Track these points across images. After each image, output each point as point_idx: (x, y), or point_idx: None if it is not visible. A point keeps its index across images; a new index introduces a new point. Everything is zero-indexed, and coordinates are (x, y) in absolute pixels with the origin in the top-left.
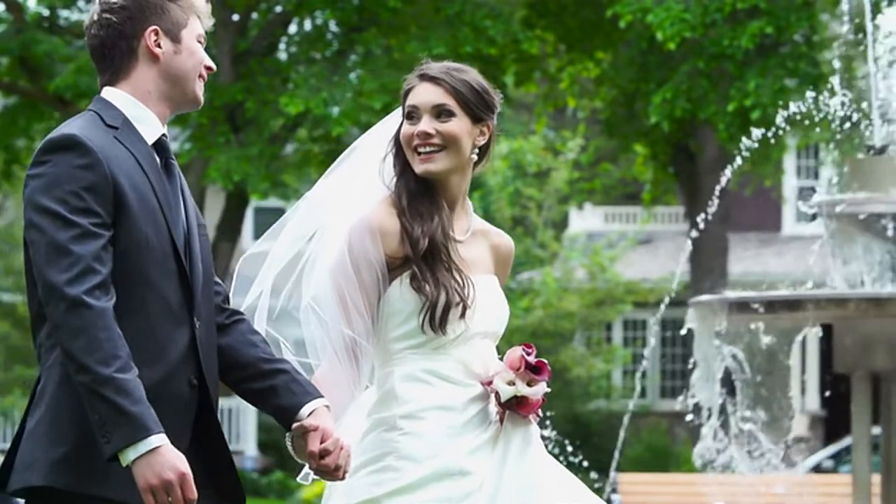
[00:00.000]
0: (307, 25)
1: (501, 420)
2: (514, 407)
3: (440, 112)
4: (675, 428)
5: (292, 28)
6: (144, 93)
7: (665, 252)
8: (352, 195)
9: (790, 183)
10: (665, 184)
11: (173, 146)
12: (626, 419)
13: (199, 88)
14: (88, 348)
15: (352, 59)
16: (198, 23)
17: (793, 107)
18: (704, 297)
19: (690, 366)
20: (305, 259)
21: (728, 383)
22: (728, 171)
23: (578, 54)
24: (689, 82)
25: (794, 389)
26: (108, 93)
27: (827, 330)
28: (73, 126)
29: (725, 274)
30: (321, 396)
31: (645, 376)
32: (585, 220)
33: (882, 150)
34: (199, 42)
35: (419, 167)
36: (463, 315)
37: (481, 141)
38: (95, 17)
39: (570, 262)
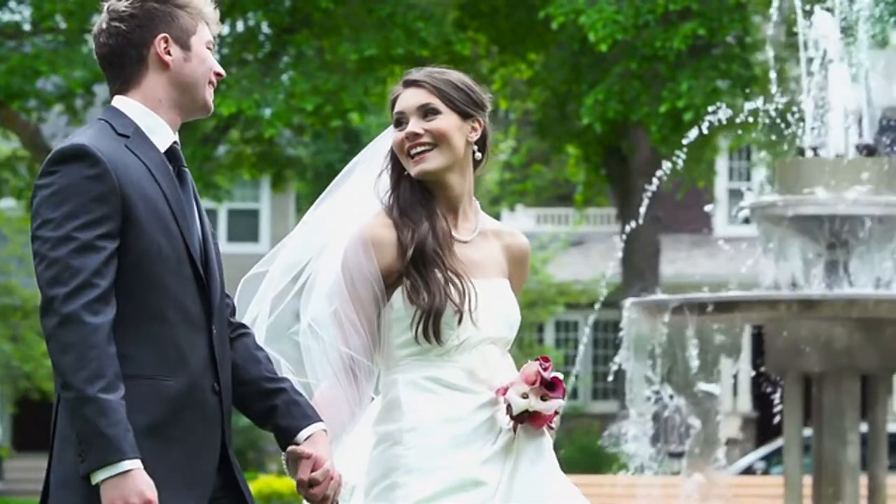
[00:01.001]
0: (239, 27)
1: (515, 429)
2: (526, 420)
3: (426, 112)
4: (607, 429)
5: (224, 29)
6: (155, 101)
7: (597, 254)
8: (349, 214)
9: (722, 184)
10: (597, 185)
11: None
12: (557, 420)
13: (209, 95)
14: (76, 365)
15: (284, 60)
16: (206, 29)
17: (724, 110)
18: (638, 299)
19: (618, 367)
20: (304, 280)
21: (661, 385)
22: (660, 173)
23: (510, 56)
24: (621, 84)
25: (726, 391)
26: (119, 101)
27: (759, 331)
28: (83, 136)
29: (657, 276)
30: (319, 420)
31: (577, 378)
32: (517, 221)
33: (814, 152)
34: (209, 48)
35: (414, 169)
36: (460, 321)
37: (474, 136)
38: (104, 26)
39: None
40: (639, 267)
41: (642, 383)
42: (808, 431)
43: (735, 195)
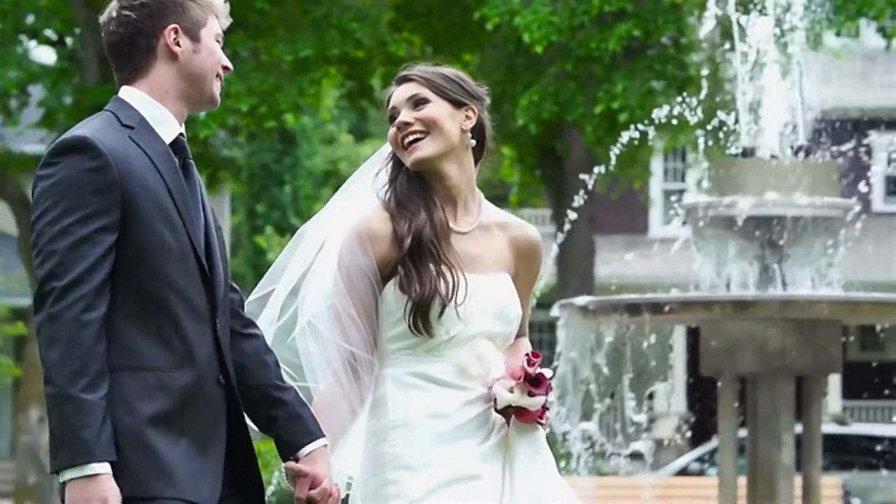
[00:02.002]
0: None
1: (508, 423)
2: (513, 414)
3: (416, 102)
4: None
5: None
6: (162, 92)
7: None
8: (348, 213)
9: (657, 186)
10: (532, 186)
11: (40, 148)
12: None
13: (217, 88)
14: (59, 361)
15: None
16: (216, 22)
17: (662, 111)
18: (572, 300)
19: (554, 369)
20: (303, 275)
21: (598, 387)
22: (594, 174)
23: (445, 56)
24: (556, 85)
25: (661, 392)
26: (126, 92)
27: (694, 333)
28: (86, 127)
29: (592, 276)
30: (321, 436)
31: None
32: None
33: (749, 153)
34: (217, 41)
35: (409, 159)
36: (441, 314)
37: (468, 124)
38: (114, 14)
39: None
40: (573, 268)
41: (578, 385)
42: (742, 432)
43: (670, 196)
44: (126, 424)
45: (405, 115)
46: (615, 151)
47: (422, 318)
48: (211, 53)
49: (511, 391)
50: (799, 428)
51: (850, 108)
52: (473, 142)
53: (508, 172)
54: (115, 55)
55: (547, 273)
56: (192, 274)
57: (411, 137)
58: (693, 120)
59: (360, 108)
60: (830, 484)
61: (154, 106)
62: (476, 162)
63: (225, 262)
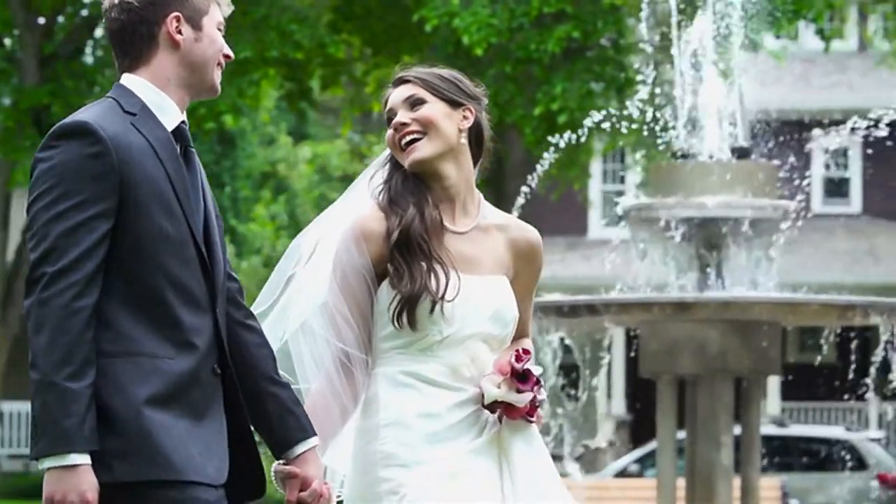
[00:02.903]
0: None
1: (500, 420)
2: (500, 410)
3: (412, 103)
4: None
5: (98, 32)
6: (163, 80)
7: None
8: (343, 216)
9: (596, 187)
10: None
11: None
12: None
13: (218, 76)
14: (47, 347)
15: None
16: (217, 10)
17: (600, 113)
18: None
19: None
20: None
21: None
22: (534, 175)
23: (384, 58)
24: (495, 86)
25: (600, 394)
26: (128, 79)
27: (632, 334)
28: (88, 113)
29: None
30: (312, 435)
31: None
32: None
33: (688, 155)
34: (219, 29)
35: (407, 160)
36: (432, 311)
37: (465, 124)
38: (116, 1)
39: None
40: None
41: None
42: (681, 434)
43: (609, 197)
44: (121, 409)
45: (402, 116)
46: (553, 153)
47: (408, 313)
48: (212, 42)
49: (498, 387)
50: (738, 429)
51: (789, 110)
52: (464, 141)
53: None
54: (116, 42)
55: None
56: (190, 262)
57: (408, 138)
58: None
59: (299, 109)
60: (769, 485)
61: (156, 93)
62: (475, 162)
63: (224, 251)
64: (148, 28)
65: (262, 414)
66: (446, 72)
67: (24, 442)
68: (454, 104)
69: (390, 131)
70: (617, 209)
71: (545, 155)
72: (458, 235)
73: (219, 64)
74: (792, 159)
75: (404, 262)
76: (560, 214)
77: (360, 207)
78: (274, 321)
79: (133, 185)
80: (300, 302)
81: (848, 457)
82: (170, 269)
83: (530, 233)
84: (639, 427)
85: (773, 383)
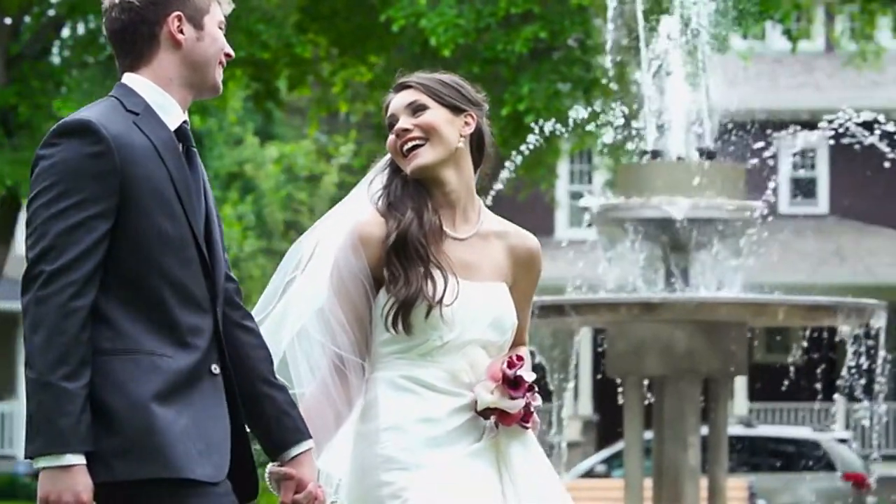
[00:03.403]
0: (80, 29)
1: (497, 426)
2: (493, 417)
3: (414, 109)
4: None
5: (65, 32)
6: (166, 79)
7: None
8: (341, 221)
9: (563, 188)
10: None
11: None
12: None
13: (219, 75)
14: (43, 347)
15: None
16: (218, 9)
17: (570, 113)
18: None
19: None
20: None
21: None
22: (501, 176)
23: (351, 59)
24: None
25: (567, 394)
26: (130, 79)
27: (599, 334)
28: (90, 111)
29: None
30: (308, 438)
31: None
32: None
33: (655, 155)
34: (220, 28)
35: (409, 166)
36: (427, 316)
37: (467, 130)
38: (117, 1)
39: None
40: None
41: None
42: (648, 434)
43: (576, 198)
44: (120, 407)
45: (404, 122)
46: (521, 153)
47: (403, 318)
48: (214, 41)
49: (491, 393)
50: (705, 430)
51: (756, 110)
52: (462, 146)
53: None
54: (117, 42)
55: None
56: (191, 263)
57: (410, 144)
58: (599, 124)
59: (266, 109)
60: (736, 485)
61: (158, 93)
62: (476, 168)
63: (224, 251)
64: (149, 28)
65: (258, 415)
66: (448, 77)
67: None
68: (456, 110)
69: (392, 137)
70: (581, 203)
71: (513, 154)
72: (457, 242)
73: (220, 63)
74: (759, 160)
75: (400, 267)
76: (526, 215)
77: (359, 212)
78: (273, 326)
79: (134, 185)
80: (298, 306)
81: (815, 457)
82: (169, 270)
83: (530, 240)
84: (606, 427)
85: (741, 384)
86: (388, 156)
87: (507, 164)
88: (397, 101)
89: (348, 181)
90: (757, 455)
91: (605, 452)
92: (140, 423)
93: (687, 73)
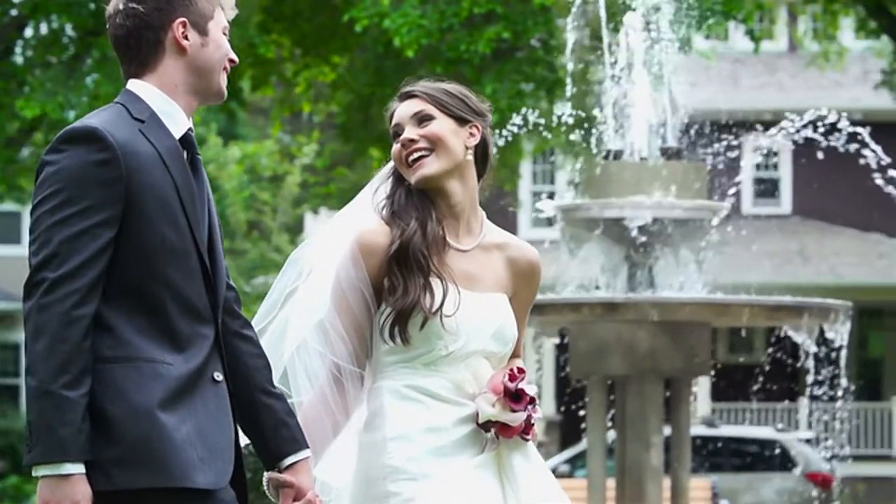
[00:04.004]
0: (43, 29)
1: (497, 437)
2: (494, 429)
3: (420, 119)
4: None
5: (28, 32)
6: (171, 86)
7: None
8: (343, 231)
9: (526, 188)
10: None
11: None
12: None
13: (224, 81)
14: (44, 354)
15: (88, 63)
16: (222, 14)
17: (532, 114)
18: None
19: None
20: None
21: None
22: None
23: (314, 59)
24: None
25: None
26: (135, 85)
27: (562, 335)
28: (97, 118)
29: None
30: (305, 447)
31: None
32: (321, 224)
33: (618, 155)
34: (224, 34)
35: (413, 176)
36: (422, 327)
37: (472, 141)
38: (121, 7)
39: None
40: None
41: None
42: (611, 435)
43: (540, 198)
44: (120, 416)
45: (410, 132)
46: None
47: (399, 327)
48: (218, 47)
49: (493, 406)
50: (668, 430)
51: (718, 110)
52: (470, 158)
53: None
54: (121, 48)
55: None
56: (193, 272)
57: (416, 154)
58: (562, 125)
59: (229, 109)
60: (699, 486)
61: (164, 100)
62: (479, 179)
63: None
64: (154, 34)
65: (256, 424)
66: (453, 87)
67: None
68: (461, 121)
69: (397, 146)
70: (538, 206)
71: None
72: (460, 253)
73: (225, 69)
74: (722, 160)
75: (401, 276)
76: (489, 215)
77: (361, 221)
78: (274, 338)
79: (140, 193)
80: (300, 318)
81: (778, 457)
82: (171, 280)
83: (530, 253)
84: (568, 427)
85: (703, 384)
86: (391, 164)
87: None
88: (403, 111)
89: (311, 181)
90: (720, 455)
91: (568, 452)
92: (141, 431)
93: (650, 73)
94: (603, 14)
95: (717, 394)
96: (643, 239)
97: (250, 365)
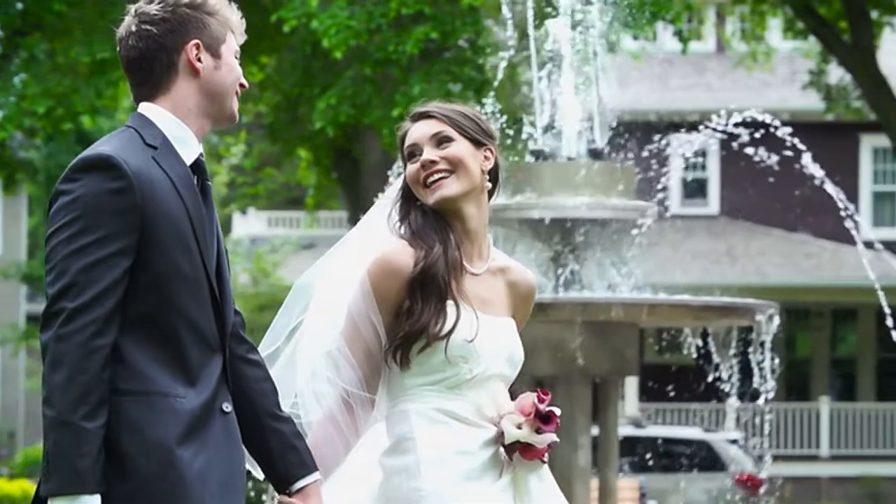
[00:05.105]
0: None
1: (510, 458)
2: (518, 451)
3: (440, 140)
4: None
5: None
6: (185, 109)
7: None
8: (346, 256)
9: None
10: (328, 189)
11: None
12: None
13: (236, 105)
14: (63, 385)
15: (15, 63)
16: (233, 39)
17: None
18: None
19: None
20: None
21: None
22: (393, 175)
23: (242, 59)
24: (353, 88)
25: None
26: (147, 109)
27: None
28: (110, 144)
29: None
30: (315, 470)
31: None
32: (249, 224)
33: (546, 155)
34: (235, 58)
35: (432, 197)
36: (422, 350)
37: (487, 165)
38: (133, 29)
39: (233, 267)
40: None
41: None
42: None
43: None
44: (132, 451)
45: (430, 154)
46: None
47: (403, 350)
48: (231, 70)
49: (519, 427)
50: (595, 430)
51: (647, 110)
52: (489, 184)
53: (305, 175)
54: (133, 70)
55: None
56: (204, 302)
57: (437, 176)
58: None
59: None
60: (627, 486)
61: (177, 125)
62: (488, 199)
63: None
64: (167, 55)
65: (265, 449)
66: (467, 109)
67: None
68: (477, 143)
69: (415, 167)
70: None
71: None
72: (474, 277)
73: (236, 93)
74: (650, 160)
75: (420, 300)
76: None
77: (381, 242)
78: (283, 371)
79: (154, 222)
80: (309, 350)
81: (706, 457)
82: (185, 308)
83: (530, 277)
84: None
85: (632, 384)
86: (398, 185)
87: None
88: (421, 131)
89: (239, 181)
90: (648, 455)
91: None
92: (156, 466)
93: (578, 73)
94: (530, 15)
95: (645, 394)
96: (571, 239)
97: (257, 389)
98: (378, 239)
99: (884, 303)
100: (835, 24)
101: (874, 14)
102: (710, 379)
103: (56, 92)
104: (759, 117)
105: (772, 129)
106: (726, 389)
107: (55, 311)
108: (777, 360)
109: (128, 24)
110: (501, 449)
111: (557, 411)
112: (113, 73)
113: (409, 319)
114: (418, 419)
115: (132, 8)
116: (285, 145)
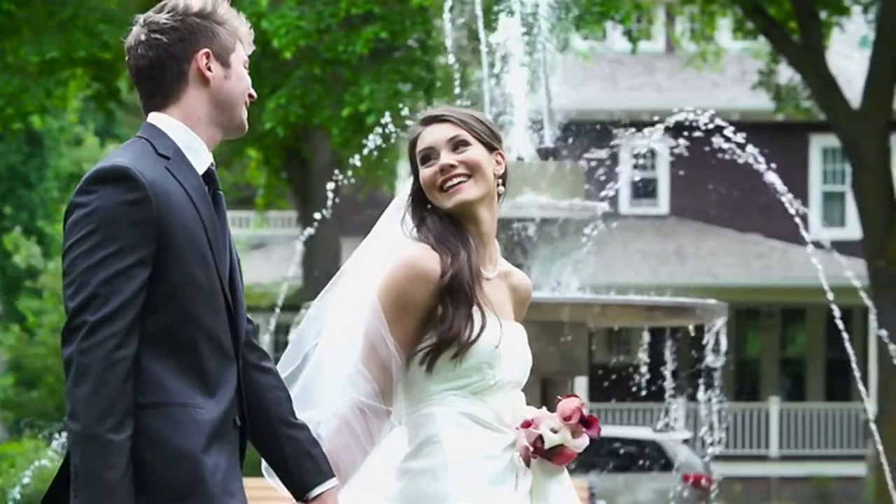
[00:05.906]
0: None
1: (527, 463)
2: (550, 455)
3: (456, 144)
4: None
5: None
6: (195, 119)
7: (278, 257)
8: (357, 276)
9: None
10: (278, 189)
11: None
12: None
13: (245, 114)
14: (88, 399)
15: None
16: (242, 48)
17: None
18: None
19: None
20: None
21: None
22: (344, 176)
23: None
24: (303, 88)
25: None
26: (158, 119)
27: None
28: (124, 156)
29: None
30: (331, 477)
31: None
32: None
33: None
34: (245, 67)
35: (450, 201)
36: (457, 355)
37: (500, 170)
38: (143, 38)
39: None
40: (321, 269)
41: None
42: None
43: None
44: (160, 462)
45: (447, 158)
46: (359, 155)
47: (433, 355)
48: (240, 79)
49: (556, 431)
50: None
51: (596, 110)
52: (502, 189)
53: (254, 175)
54: (143, 80)
55: (293, 275)
56: (219, 312)
57: (455, 181)
58: None
59: (107, 109)
60: (576, 485)
61: (188, 134)
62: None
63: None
64: (178, 65)
65: (280, 457)
66: (478, 113)
67: None
68: (490, 148)
69: (433, 171)
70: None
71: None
72: (488, 282)
73: (245, 103)
74: (599, 160)
75: (451, 306)
76: (367, 214)
77: (404, 246)
78: (301, 396)
79: (171, 232)
80: (326, 385)
81: (656, 457)
82: (202, 319)
83: (528, 281)
84: None
85: (581, 384)
86: (407, 192)
87: (345, 164)
88: (436, 135)
89: None
90: (597, 455)
91: None
92: (183, 477)
93: (527, 72)
94: (479, 13)
95: (595, 394)
96: (520, 239)
97: (271, 397)
98: (391, 243)
99: (832, 303)
100: (784, 25)
101: (823, 14)
102: (659, 380)
103: (5, 91)
104: (709, 117)
105: (721, 130)
106: (674, 389)
107: (77, 324)
108: (727, 360)
109: (136, 33)
110: (517, 454)
111: (595, 415)
112: (62, 73)
113: (442, 327)
114: (445, 422)
115: (141, 17)
116: (235, 145)
